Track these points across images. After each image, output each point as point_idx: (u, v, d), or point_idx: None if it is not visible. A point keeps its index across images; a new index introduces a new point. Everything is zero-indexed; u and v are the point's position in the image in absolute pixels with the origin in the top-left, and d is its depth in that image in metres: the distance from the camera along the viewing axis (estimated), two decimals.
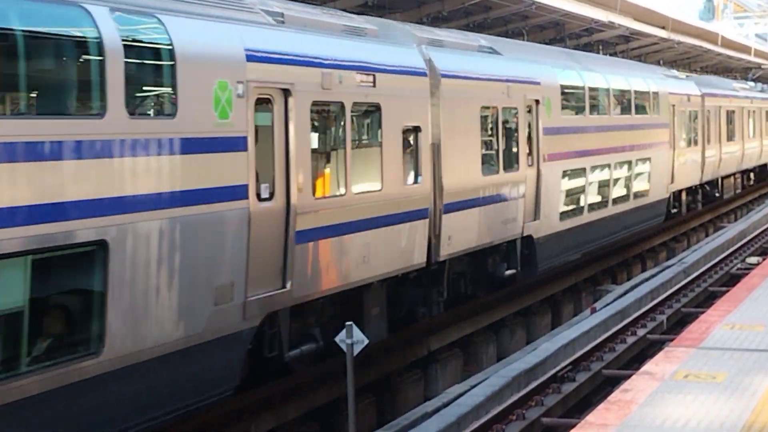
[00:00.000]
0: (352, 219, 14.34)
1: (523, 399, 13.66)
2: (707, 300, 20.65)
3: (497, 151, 18.99)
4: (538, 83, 20.91)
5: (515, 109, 19.79)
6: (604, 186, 25.20)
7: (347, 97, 14.30)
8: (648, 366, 11.02)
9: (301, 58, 13.40)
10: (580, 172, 23.37)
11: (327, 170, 14.35)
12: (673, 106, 30.75)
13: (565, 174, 22.26)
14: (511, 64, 20.12)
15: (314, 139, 13.95)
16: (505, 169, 19.26)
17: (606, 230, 25.00)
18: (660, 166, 29.22)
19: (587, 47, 38.04)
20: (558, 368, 15.05)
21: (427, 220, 16.34)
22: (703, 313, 14.64)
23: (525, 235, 20.11)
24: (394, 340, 16.88)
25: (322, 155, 14.29)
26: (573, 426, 9.42)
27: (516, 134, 19.86)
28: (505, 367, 15.58)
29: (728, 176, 40.87)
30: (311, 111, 13.50)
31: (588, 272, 25.70)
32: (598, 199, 24.86)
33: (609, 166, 25.18)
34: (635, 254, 29.51)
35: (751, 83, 50.34)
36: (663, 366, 10.78)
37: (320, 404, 14.67)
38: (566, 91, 22.98)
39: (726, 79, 48.65)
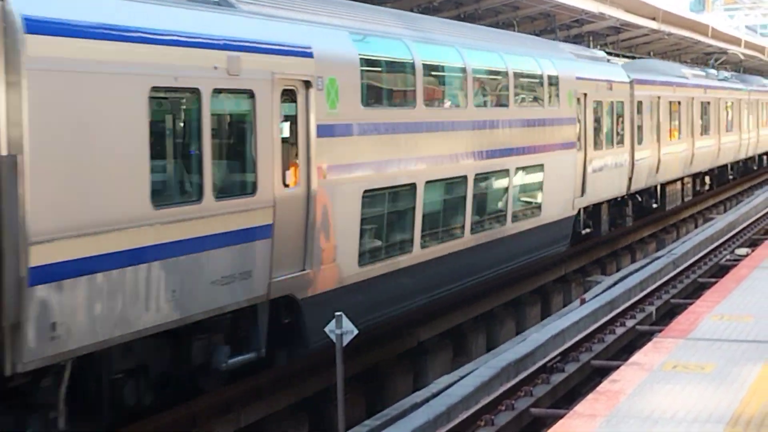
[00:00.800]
0: None
1: (512, 389, 13.67)
2: (696, 291, 20.67)
3: (199, 164, 11.64)
4: (309, 54, 13.55)
5: (249, 94, 12.47)
6: (453, 208, 17.86)
7: None
8: (637, 357, 11.04)
9: None
10: (405, 192, 16.08)
11: None
12: (585, 95, 23.88)
13: (370, 195, 14.95)
14: (246, 22, 12.79)
15: None
16: (219, 193, 11.88)
17: (460, 270, 17.97)
18: (560, 176, 22.22)
19: (578, 38, 38.07)
20: (547, 359, 15.07)
21: None
22: (692, 304, 14.68)
23: (278, 295, 12.90)
24: (384, 330, 16.89)
25: None
26: (562, 416, 9.43)
27: (251, 135, 12.54)
28: (495, 358, 15.58)
29: (673, 182, 33.58)
30: None
31: (577, 263, 25.73)
32: (444, 227, 17.57)
33: (464, 179, 17.88)
34: (624, 245, 29.56)
35: (712, 70, 43.69)
36: (652, 357, 10.80)
37: (309, 394, 14.68)
38: (374, 68, 15.55)
39: (675, 63, 40.67)
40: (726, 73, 46.09)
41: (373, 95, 15.39)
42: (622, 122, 27.17)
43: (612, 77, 26.66)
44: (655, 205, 31.75)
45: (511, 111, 19.81)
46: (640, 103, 28.92)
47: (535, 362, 15.11)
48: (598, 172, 25.02)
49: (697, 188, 38.44)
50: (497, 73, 19.64)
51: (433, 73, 17.42)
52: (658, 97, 30.83)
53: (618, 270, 26.71)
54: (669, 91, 32.46)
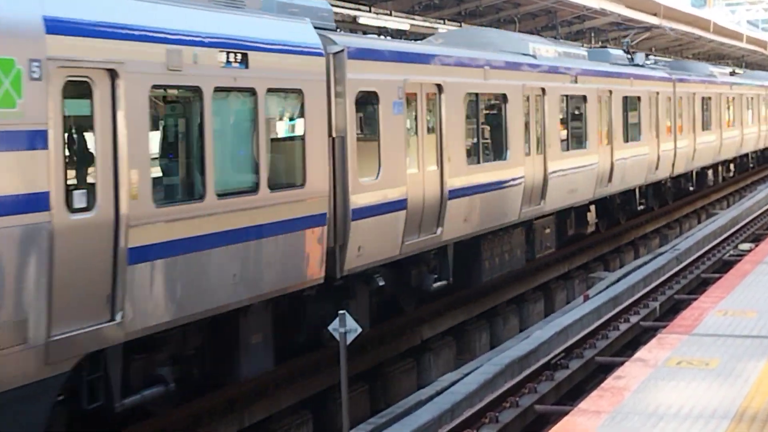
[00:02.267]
0: None
1: (516, 386, 13.66)
2: (700, 287, 20.65)
3: None
4: None
5: None
6: None
7: None
8: (641, 353, 11.02)
9: None
10: None
11: None
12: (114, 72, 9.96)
13: None
14: None
15: None
16: None
17: None
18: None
19: (579, 35, 38.05)
20: (551, 356, 15.05)
21: None
22: (695, 299, 14.65)
23: None
24: (387, 328, 16.88)
25: None
26: (566, 413, 9.42)
27: None
28: (499, 355, 15.58)
29: (497, 233, 18.99)
30: None
31: (581, 260, 25.71)
32: None
33: None
34: (628, 241, 29.53)
35: (619, 51, 30.40)
36: (656, 353, 10.78)
37: (313, 393, 14.67)
38: None
39: (523, 35, 24.78)
40: (645, 57, 33.47)
41: None
42: (302, 139, 13.09)
43: (254, 38, 12.04)
44: (439, 283, 16.98)
45: None
46: (365, 96, 14.46)
47: (539, 359, 15.10)
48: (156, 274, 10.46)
49: (575, 230, 24.24)
50: None
51: None
52: (438, 86, 16.44)
53: (621, 266, 26.70)
54: (475, 77, 17.82)
